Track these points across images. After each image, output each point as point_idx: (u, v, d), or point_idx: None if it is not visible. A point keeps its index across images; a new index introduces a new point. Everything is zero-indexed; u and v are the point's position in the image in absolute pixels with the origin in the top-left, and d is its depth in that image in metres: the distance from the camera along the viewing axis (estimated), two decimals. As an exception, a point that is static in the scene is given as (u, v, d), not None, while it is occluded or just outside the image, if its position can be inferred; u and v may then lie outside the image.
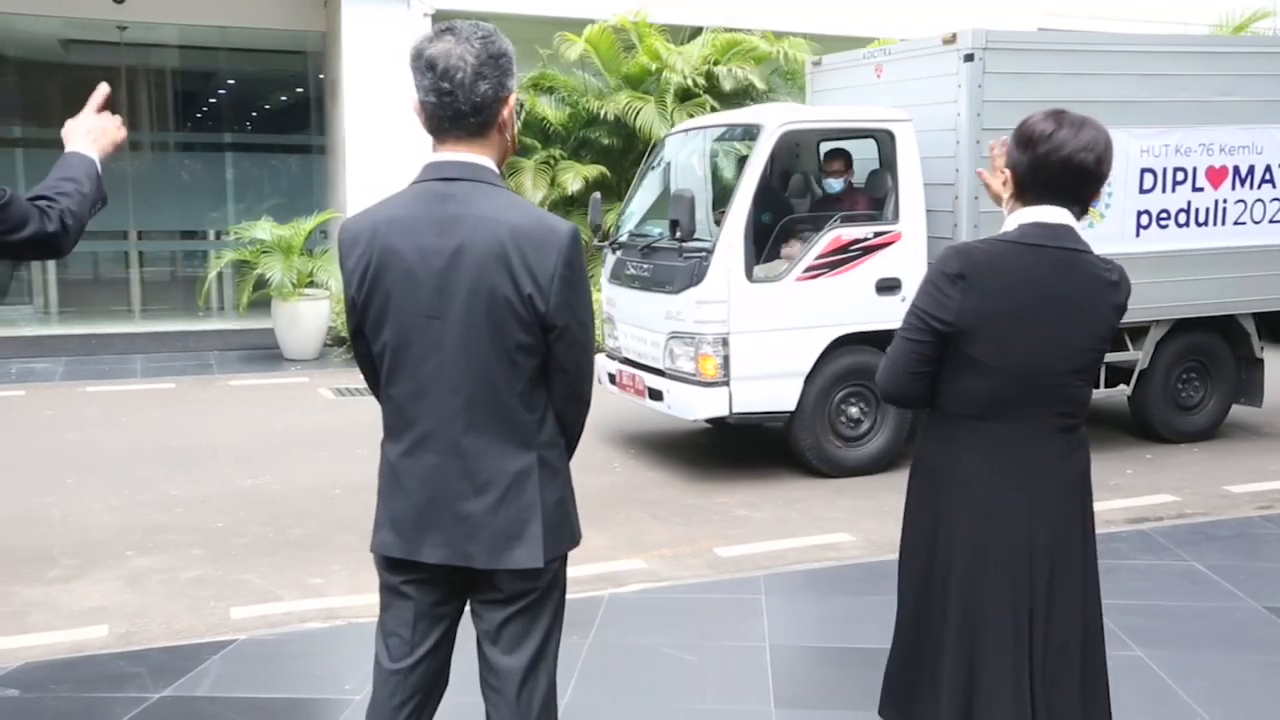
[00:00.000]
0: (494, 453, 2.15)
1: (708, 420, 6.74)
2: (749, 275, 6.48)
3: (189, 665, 3.98)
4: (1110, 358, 7.02)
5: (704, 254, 6.47)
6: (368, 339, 2.22)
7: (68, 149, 2.56)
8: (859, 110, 7.31)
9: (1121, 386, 7.47)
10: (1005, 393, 2.33)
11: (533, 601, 2.23)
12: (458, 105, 2.10)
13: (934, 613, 2.42)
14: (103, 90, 2.62)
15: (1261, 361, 7.75)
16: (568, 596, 2.36)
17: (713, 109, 13.58)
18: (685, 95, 13.73)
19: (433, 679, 2.30)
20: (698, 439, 7.73)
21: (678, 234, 6.45)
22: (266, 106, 17.36)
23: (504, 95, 2.14)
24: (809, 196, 7.46)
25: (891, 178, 6.81)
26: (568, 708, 3.59)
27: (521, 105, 2.27)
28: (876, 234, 6.73)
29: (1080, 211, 2.36)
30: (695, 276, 6.48)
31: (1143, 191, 7.14)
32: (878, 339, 6.58)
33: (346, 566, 5.18)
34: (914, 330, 2.36)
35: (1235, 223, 7.42)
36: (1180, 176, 7.26)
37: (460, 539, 2.16)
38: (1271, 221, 7.56)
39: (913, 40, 7.47)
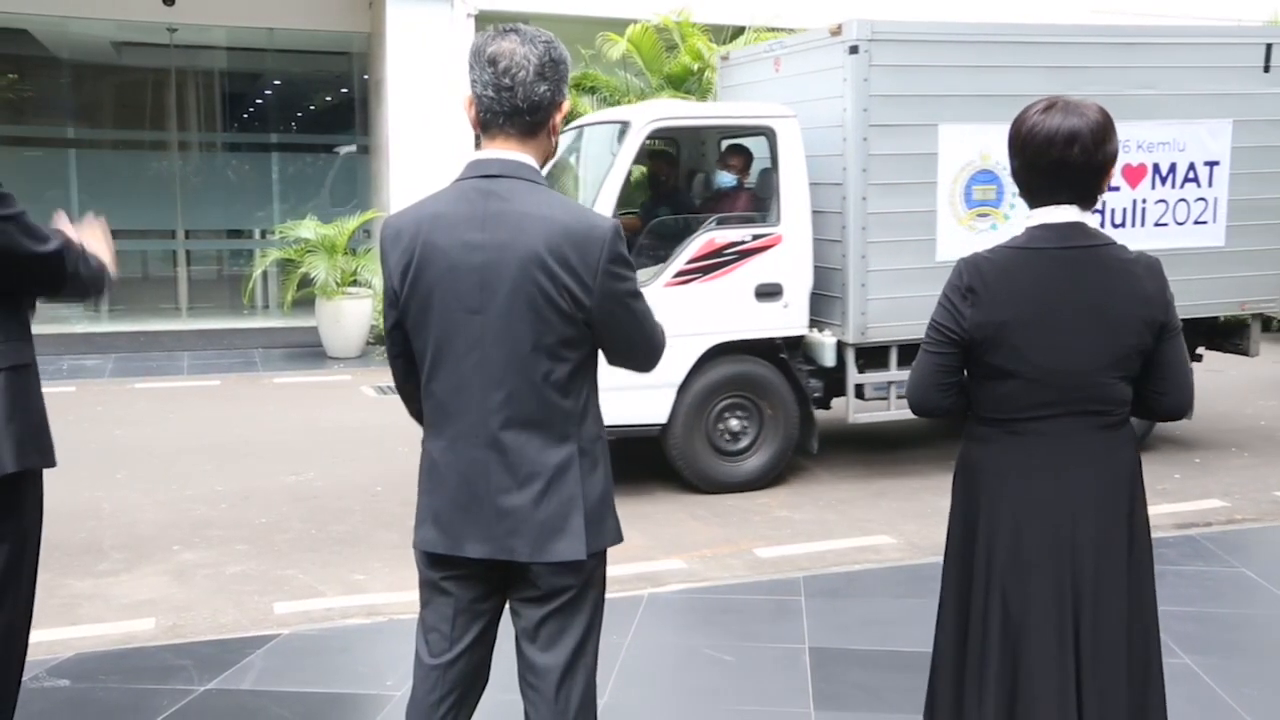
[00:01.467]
0: (534, 446, 2.16)
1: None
2: None
3: (233, 659, 4.03)
4: None
5: None
6: (407, 335, 2.24)
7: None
8: (738, 107, 6.97)
9: None
10: (1037, 395, 2.30)
11: (570, 599, 2.24)
12: (515, 102, 2.12)
13: (976, 613, 2.40)
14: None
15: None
16: (607, 596, 2.37)
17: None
18: (728, 95, 13.71)
19: (472, 675, 2.31)
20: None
21: None
22: (312, 107, 17.57)
23: (559, 100, 2.18)
24: (711, 196, 7.05)
25: (774, 178, 6.49)
26: (606, 707, 3.58)
27: (566, 117, 2.30)
28: (756, 237, 6.39)
29: (1089, 205, 2.32)
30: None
31: None
32: (759, 348, 6.42)
33: (388, 563, 5.22)
34: (933, 343, 2.37)
35: (1156, 224, 6.97)
36: None
37: (502, 533, 2.17)
38: (1197, 223, 7.09)
39: (806, 32, 7.05)
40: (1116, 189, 6.80)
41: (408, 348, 2.26)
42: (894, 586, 4.80)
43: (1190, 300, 7.00)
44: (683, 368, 6.24)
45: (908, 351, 6.38)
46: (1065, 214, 2.30)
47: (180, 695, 3.74)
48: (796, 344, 6.62)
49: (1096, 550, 2.32)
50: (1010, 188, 6.36)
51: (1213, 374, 8.97)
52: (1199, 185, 7.06)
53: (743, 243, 6.37)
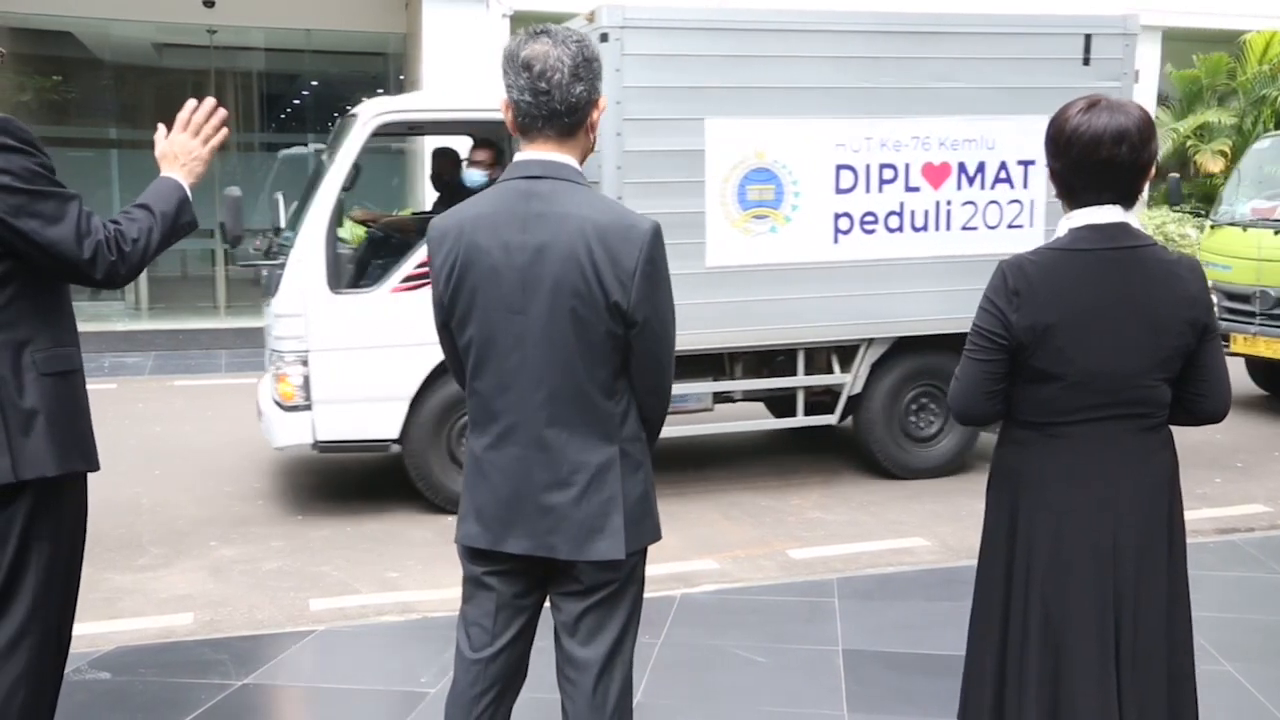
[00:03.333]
0: (576, 445, 2.18)
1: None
2: (333, 285, 5.69)
3: (270, 654, 4.07)
4: (808, 381, 6.38)
5: (284, 262, 5.76)
6: (454, 334, 2.26)
7: (161, 173, 2.62)
8: (477, 99, 6.40)
9: (827, 418, 6.55)
10: (1079, 398, 2.27)
11: (611, 593, 2.26)
12: (553, 105, 2.14)
13: (1016, 618, 2.38)
14: (189, 106, 2.66)
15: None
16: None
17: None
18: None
19: (513, 669, 2.34)
20: (771, 441, 7.69)
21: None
22: (348, 107, 17.67)
23: (595, 98, 2.19)
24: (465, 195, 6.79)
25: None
26: (639, 706, 3.58)
27: (600, 111, 2.31)
28: None
29: (1130, 205, 2.29)
30: (274, 287, 5.79)
31: (840, 191, 6.14)
32: None
33: (422, 561, 5.26)
34: (978, 350, 2.33)
35: (964, 227, 6.37)
36: (889, 174, 6.24)
37: (544, 530, 2.19)
38: (1012, 227, 6.48)
39: (573, 19, 6.38)
40: (916, 189, 6.28)
41: (456, 347, 2.29)
42: (928, 589, 4.77)
43: None
44: (414, 379, 5.76)
45: (685, 363, 5.90)
46: (1109, 214, 2.27)
47: (218, 690, 3.78)
48: None
49: (1138, 554, 2.30)
50: (792, 187, 6.03)
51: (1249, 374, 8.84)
52: (1012, 186, 6.46)
53: None
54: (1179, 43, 14.83)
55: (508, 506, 2.21)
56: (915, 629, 4.31)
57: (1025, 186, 6.49)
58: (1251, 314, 8.32)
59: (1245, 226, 8.48)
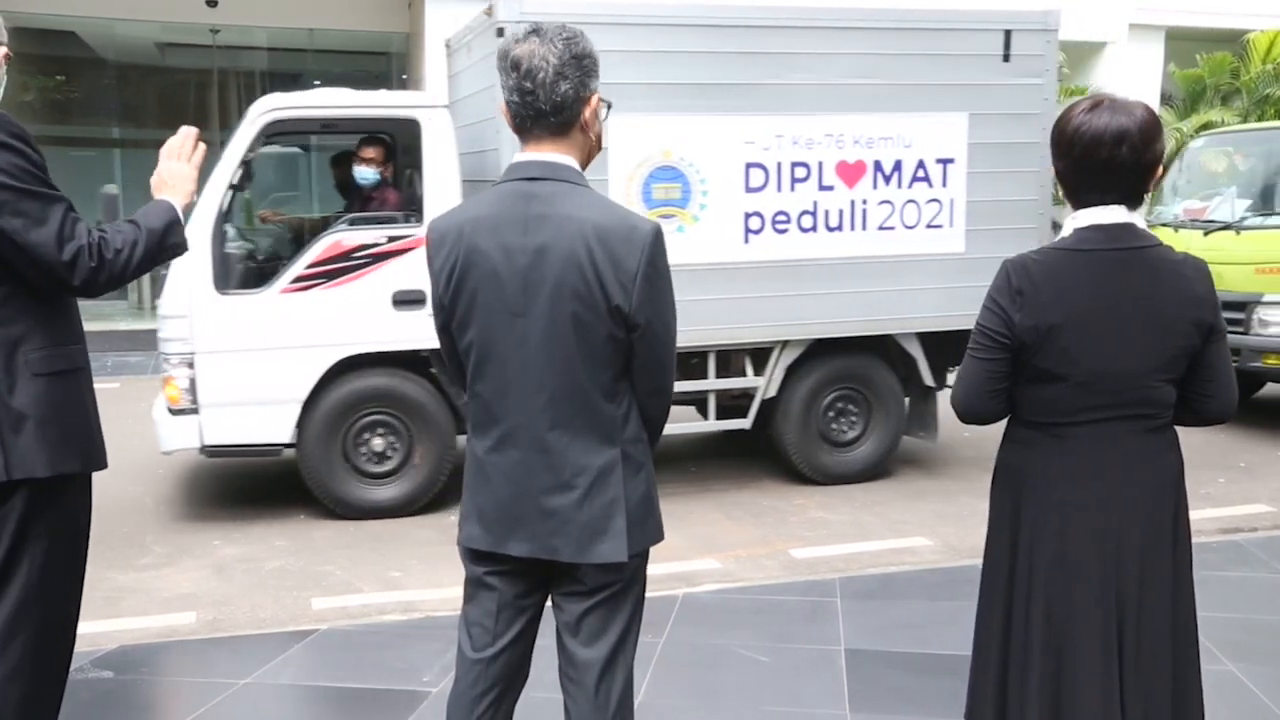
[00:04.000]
0: (578, 448, 2.17)
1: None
2: (220, 285, 5.56)
3: (272, 653, 4.08)
4: (719, 384, 6.26)
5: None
6: (454, 337, 2.26)
7: (155, 197, 2.64)
8: (378, 97, 6.38)
9: (739, 422, 6.38)
10: (1083, 398, 2.26)
11: (614, 594, 2.25)
12: (538, 105, 2.12)
13: (1019, 618, 2.37)
14: (183, 134, 2.70)
15: (933, 389, 6.63)
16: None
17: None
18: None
19: (514, 669, 2.33)
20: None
21: None
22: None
23: (585, 96, 2.16)
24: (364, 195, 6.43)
25: (418, 174, 5.91)
26: (641, 706, 3.58)
27: (609, 106, 2.29)
28: (392, 239, 5.76)
29: (1136, 205, 2.28)
30: (160, 287, 5.65)
31: (750, 190, 6.01)
32: (402, 360, 5.84)
33: (424, 560, 5.26)
34: (981, 349, 2.32)
35: (881, 227, 6.24)
36: (801, 173, 6.09)
37: (546, 533, 2.19)
38: (931, 227, 6.33)
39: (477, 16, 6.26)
40: (830, 188, 6.15)
41: (456, 349, 2.28)
42: (931, 589, 4.77)
43: (929, 312, 6.35)
44: (306, 382, 5.67)
45: None
46: (1114, 214, 2.26)
47: (221, 688, 3.79)
48: None
49: (1142, 555, 2.29)
50: (700, 186, 5.91)
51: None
52: (930, 185, 6.31)
53: (376, 245, 5.75)
54: (1182, 42, 14.82)
55: (510, 509, 2.21)
56: (918, 629, 4.31)
57: (944, 185, 6.36)
58: None
59: (1177, 228, 8.24)
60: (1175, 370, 2.27)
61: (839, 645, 4.13)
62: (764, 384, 6.32)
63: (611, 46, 5.68)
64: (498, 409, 2.20)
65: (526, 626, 2.32)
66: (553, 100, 2.12)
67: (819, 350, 6.39)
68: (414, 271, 5.66)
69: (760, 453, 7.34)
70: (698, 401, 6.47)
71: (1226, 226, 7.84)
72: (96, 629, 4.28)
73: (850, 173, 6.21)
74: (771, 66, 5.98)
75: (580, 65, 2.13)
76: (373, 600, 4.79)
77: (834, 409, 6.55)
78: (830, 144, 6.12)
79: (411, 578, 5.06)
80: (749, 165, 6.01)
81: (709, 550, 5.41)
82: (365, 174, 6.19)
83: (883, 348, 6.55)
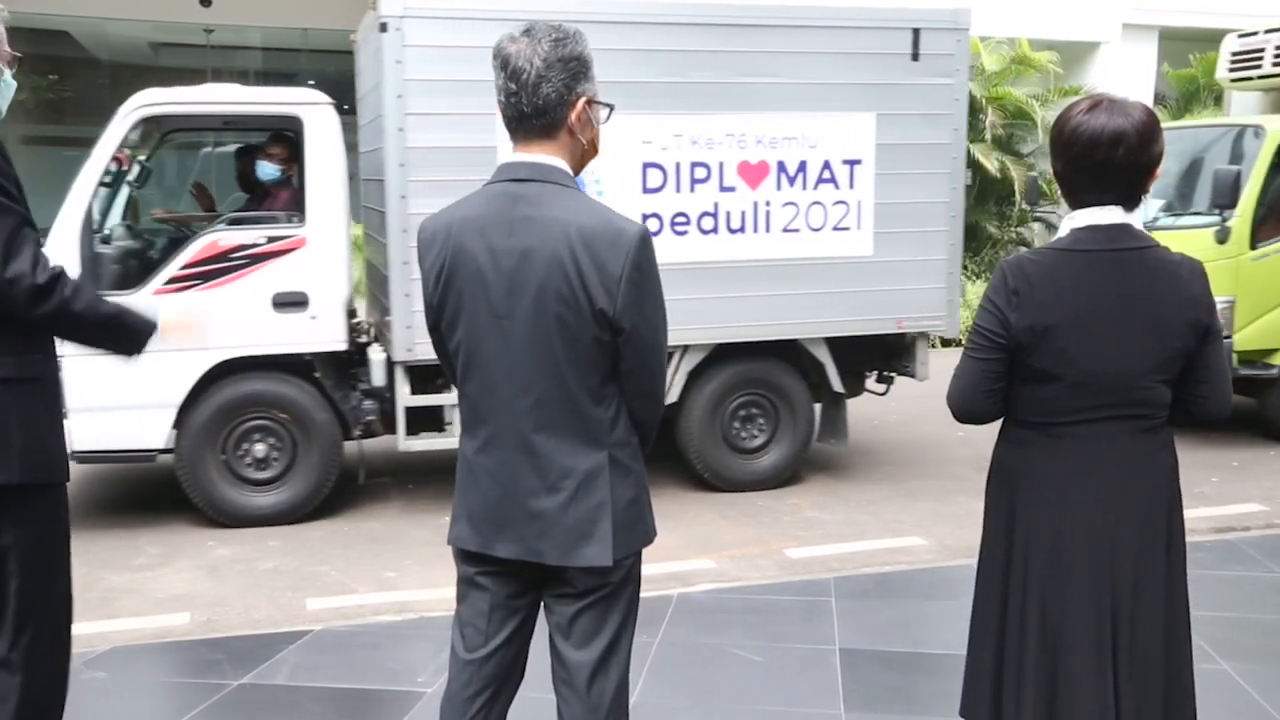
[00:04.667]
0: (564, 451, 2.17)
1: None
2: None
3: (267, 654, 4.07)
4: None
5: None
6: (444, 337, 2.25)
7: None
8: (258, 92, 6.16)
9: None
10: (1078, 398, 2.27)
11: (604, 596, 2.24)
12: (521, 106, 2.11)
13: (1013, 618, 2.38)
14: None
15: (842, 395, 6.60)
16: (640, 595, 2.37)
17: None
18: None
19: (507, 670, 2.32)
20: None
21: None
22: (345, 107, 17.69)
23: (571, 98, 2.13)
24: (261, 193, 6.32)
25: (300, 173, 5.80)
26: (636, 706, 3.58)
27: (610, 108, 2.27)
28: (272, 239, 5.64)
29: (1133, 206, 2.28)
30: None
31: (648, 191, 5.89)
32: (285, 364, 5.73)
33: (419, 560, 5.26)
34: (978, 349, 2.32)
35: (786, 230, 6.10)
36: (701, 174, 5.96)
37: (531, 536, 2.18)
38: (838, 229, 6.20)
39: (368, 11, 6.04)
40: (732, 189, 6.02)
41: (446, 349, 2.28)
42: (925, 588, 4.77)
43: (837, 316, 6.24)
44: (181, 386, 5.53)
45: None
46: (1111, 215, 2.26)
47: (215, 689, 3.78)
48: (353, 360, 5.95)
49: (1136, 555, 2.30)
50: (594, 186, 5.69)
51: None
52: (837, 186, 6.18)
53: (255, 245, 5.61)
54: (1176, 42, 14.85)
55: (497, 510, 2.20)
56: (912, 628, 4.32)
57: (851, 187, 6.23)
58: None
59: None
60: (1171, 371, 2.28)
61: (834, 645, 4.13)
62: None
63: (489, 44, 5.60)
64: (484, 410, 2.20)
65: (520, 627, 2.31)
66: (535, 102, 2.10)
67: (723, 355, 6.24)
68: (296, 273, 5.63)
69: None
70: None
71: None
72: (90, 630, 4.27)
73: (753, 174, 6.08)
74: (669, 64, 5.85)
75: (567, 67, 2.10)
76: (367, 601, 4.79)
77: (740, 415, 6.41)
78: (732, 144, 6.00)
79: (406, 578, 5.06)
80: (646, 165, 5.90)
81: (704, 550, 5.41)
82: (266, 169, 6.09)
83: (791, 353, 6.42)
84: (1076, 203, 2.30)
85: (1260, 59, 8.10)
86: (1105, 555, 2.29)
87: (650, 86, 5.82)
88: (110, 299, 2.60)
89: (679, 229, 6.00)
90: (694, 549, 5.41)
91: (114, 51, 15.22)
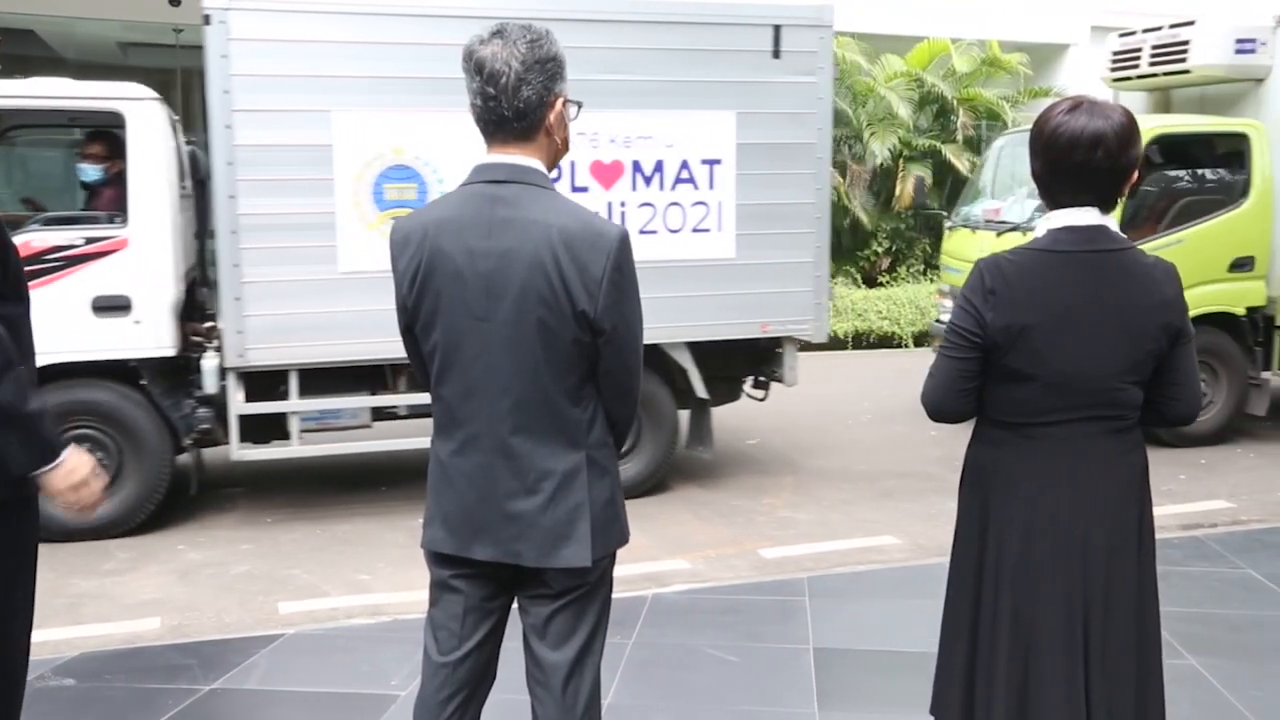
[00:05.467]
0: (542, 453, 2.16)
1: None
2: None
3: (238, 658, 4.04)
4: (374, 401, 5.89)
5: None
6: (418, 339, 2.24)
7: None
8: (78, 86, 5.84)
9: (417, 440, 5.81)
10: (1050, 399, 2.29)
11: (580, 597, 2.25)
12: (501, 110, 2.10)
13: (985, 616, 2.39)
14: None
15: (706, 401, 6.43)
16: (612, 596, 2.37)
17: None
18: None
19: (480, 672, 2.32)
20: (741, 440, 7.71)
21: None
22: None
23: (549, 99, 2.13)
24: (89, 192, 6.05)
25: (123, 172, 5.56)
26: (610, 707, 3.59)
27: (579, 106, 2.27)
28: (91, 240, 5.40)
29: (1110, 208, 2.30)
30: None
31: None
32: (108, 371, 5.50)
33: (392, 563, 5.23)
34: (954, 347, 2.33)
35: (642, 231, 5.95)
36: (552, 173, 6.00)
37: (509, 538, 2.18)
38: (698, 231, 6.07)
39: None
40: (584, 190, 5.84)
41: (420, 351, 2.27)
42: (899, 587, 4.80)
43: (698, 320, 6.10)
44: None
45: (312, 378, 5.70)
46: (1087, 216, 2.28)
47: (185, 695, 3.74)
48: (189, 367, 5.71)
49: (1108, 555, 2.32)
50: (438, 186, 5.56)
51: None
52: (696, 187, 6.02)
53: (72, 247, 5.37)
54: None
55: (474, 513, 2.20)
56: (886, 627, 4.34)
57: (711, 187, 6.07)
58: None
59: (975, 229, 7.99)
60: (1143, 373, 2.30)
61: (808, 644, 4.15)
62: None
63: (334, 37, 5.35)
64: (461, 412, 2.19)
65: (493, 629, 2.31)
66: (515, 106, 2.10)
67: None
68: (118, 275, 5.41)
69: (728, 453, 7.36)
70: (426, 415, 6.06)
71: (1016, 228, 7.44)
72: (58, 636, 4.22)
73: (606, 173, 5.91)
74: None
75: (544, 69, 2.11)
76: (340, 604, 4.76)
77: None
78: (584, 143, 5.79)
79: (379, 581, 5.03)
80: None
81: (678, 551, 5.41)
82: (88, 170, 5.87)
83: (655, 358, 6.02)
84: (1054, 203, 2.32)
85: (1138, 59, 8.06)
86: (1078, 554, 2.31)
87: None
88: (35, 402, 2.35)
89: None
90: (668, 549, 5.42)
91: (81, 51, 15.04)
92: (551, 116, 2.15)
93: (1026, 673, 2.34)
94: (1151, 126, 7.17)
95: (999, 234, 7.62)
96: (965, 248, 8.01)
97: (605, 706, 3.12)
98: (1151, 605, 2.39)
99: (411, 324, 2.23)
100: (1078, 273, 2.25)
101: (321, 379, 5.77)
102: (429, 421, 2.33)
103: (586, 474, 2.19)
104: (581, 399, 2.19)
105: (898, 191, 13.93)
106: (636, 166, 5.96)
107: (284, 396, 5.71)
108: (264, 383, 5.72)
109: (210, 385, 5.64)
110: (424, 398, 5.74)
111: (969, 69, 14.79)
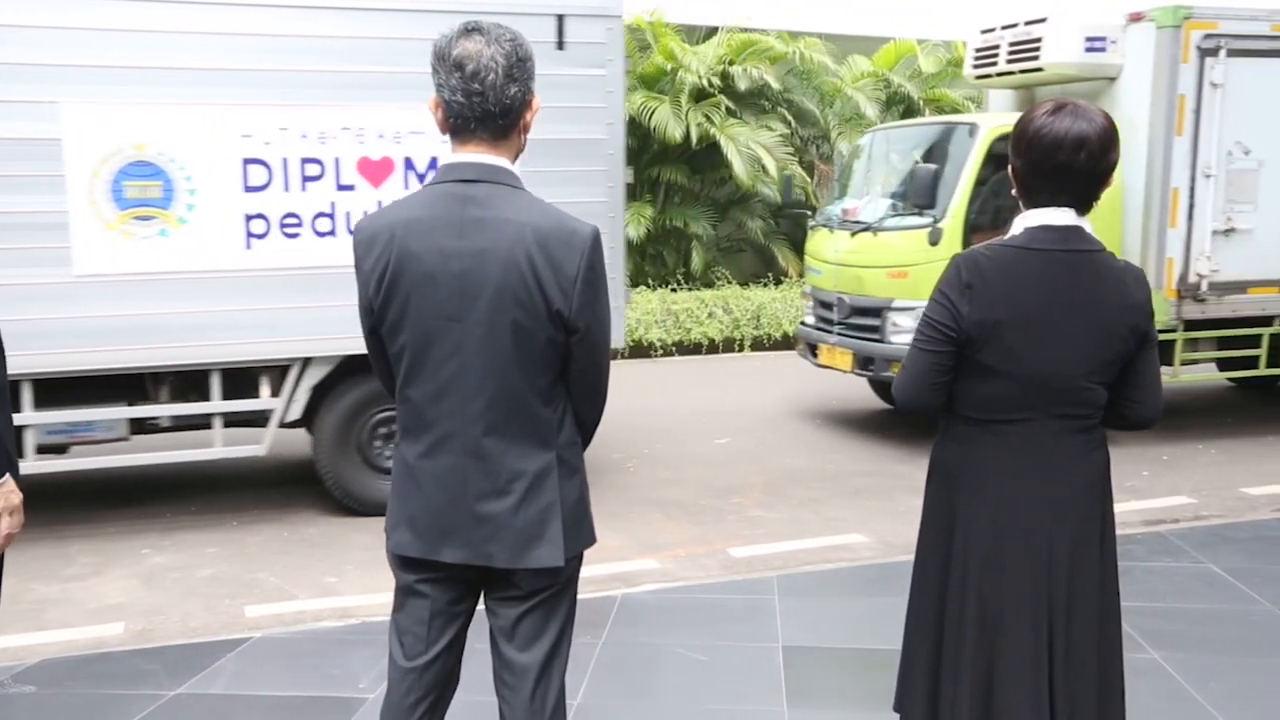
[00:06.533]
0: (514, 453, 2.16)
1: None
2: None
3: (204, 663, 4.00)
4: (226, 406, 5.61)
5: None
6: (383, 340, 2.22)
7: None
8: None
9: (252, 448, 5.77)
10: (1020, 396, 2.31)
11: (549, 597, 2.25)
12: (487, 106, 2.10)
13: (951, 612, 2.42)
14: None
15: None
16: (581, 596, 2.37)
17: (728, 109, 13.60)
18: (700, 95, 13.74)
19: (447, 676, 2.32)
20: (711, 440, 7.73)
21: None
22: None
23: (529, 98, 2.15)
24: None
25: None
26: (580, 708, 3.59)
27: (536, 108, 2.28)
28: None
29: (1084, 210, 2.33)
30: None
31: (251, 189, 5.40)
32: None
33: (360, 565, 5.20)
34: (928, 341, 2.35)
35: None
36: (314, 171, 5.49)
37: (480, 539, 2.17)
38: None
39: None
40: (351, 188, 5.58)
41: (385, 353, 2.25)
42: (867, 585, 4.83)
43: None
44: None
45: (49, 389, 5.36)
46: (1064, 216, 2.31)
47: (150, 700, 3.70)
48: None
49: (1072, 552, 2.35)
50: (185, 184, 5.32)
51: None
52: None
53: None
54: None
55: (443, 516, 2.18)
56: (854, 624, 4.36)
57: None
58: (832, 322, 7.77)
59: (833, 229, 7.94)
60: (1110, 374, 2.33)
61: (777, 643, 4.17)
62: (282, 406, 5.68)
63: (59, 23, 5.05)
64: (430, 414, 2.17)
65: (459, 633, 2.31)
66: (502, 103, 2.10)
67: (355, 368, 5.70)
68: None
69: (697, 453, 7.38)
70: (200, 426, 5.79)
71: (867, 228, 7.49)
72: (19, 642, 4.16)
73: (375, 170, 5.64)
74: (267, 51, 5.34)
75: (525, 68, 2.13)
76: (308, 607, 4.72)
77: (381, 434, 5.90)
78: (350, 139, 5.54)
79: (347, 583, 5.00)
80: (247, 161, 5.39)
81: (648, 550, 5.42)
82: None
83: None
84: (1031, 202, 2.34)
85: (997, 56, 7.96)
86: (1042, 553, 2.34)
87: (247, 74, 5.32)
88: None
89: (290, 231, 5.52)
90: (638, 549, 5.42)
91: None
92: (529, 115, 2.17)
93: (992, 668, 2.36)
94: (994, 125, 7.14)
95: (852, 234, 7.58)
96: (824, 248, 7.99)
97: (574, 707, 3.12)
98: (1113, 601, 2.43)
99: (377, 326, 2.20)
100: (1053, 271, 2.28)
101: (72, 390, 5.42)
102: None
103: (557, 474, 2.19)
104: (553, 399, 2.18)
105: None
106: (409, 164, 5.68)
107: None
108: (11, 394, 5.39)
109: None
110: (188, 408, 5.59)
111: (935, 69, 14.93)
